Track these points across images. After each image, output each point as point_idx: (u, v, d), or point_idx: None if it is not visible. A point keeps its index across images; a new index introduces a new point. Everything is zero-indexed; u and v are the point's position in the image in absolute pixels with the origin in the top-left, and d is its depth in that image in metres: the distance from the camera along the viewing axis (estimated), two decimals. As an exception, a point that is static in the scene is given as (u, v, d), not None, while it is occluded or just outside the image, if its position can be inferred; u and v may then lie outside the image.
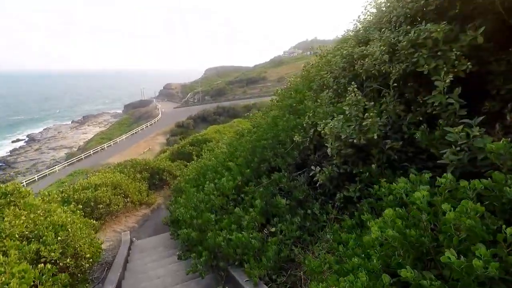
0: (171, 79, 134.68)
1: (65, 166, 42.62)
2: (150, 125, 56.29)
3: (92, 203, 6.64)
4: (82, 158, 43.65)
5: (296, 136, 3.67)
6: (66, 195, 6.52)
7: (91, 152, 44.94)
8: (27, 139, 73.14)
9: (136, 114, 71.68)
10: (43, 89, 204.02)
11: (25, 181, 37.41)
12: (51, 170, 41.38)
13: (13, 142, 71.87)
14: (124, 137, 50.50)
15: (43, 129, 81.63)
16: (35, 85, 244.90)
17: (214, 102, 71.04)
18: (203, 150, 14.53)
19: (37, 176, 39.34)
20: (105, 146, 46.71)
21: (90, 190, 6.83)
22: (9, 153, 62.14)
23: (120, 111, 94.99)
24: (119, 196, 7.30)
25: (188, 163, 12.35)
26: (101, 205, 6.77)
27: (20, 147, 66.45)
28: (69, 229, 3.82)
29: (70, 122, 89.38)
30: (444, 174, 1.90)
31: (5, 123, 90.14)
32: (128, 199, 7.74)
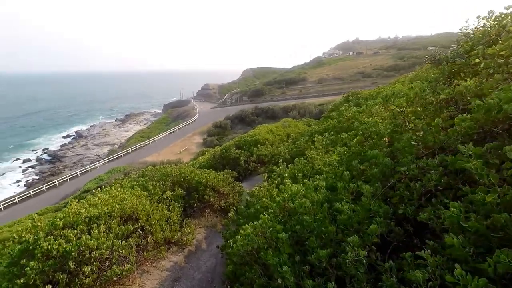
0: (209, 80, 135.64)
1: (105, 162, 42.73)
2: (187, 124, 55.22)
3: (71, 263, 3.47)
4: (121, 156, 43.56)
5: None
6: (31, 240, 3.43)
7: (130, 150, 44.66)
8: (75, 135, 76.61)
9: (174, 113, 71.58)
10: (93, 89, 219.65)
11: (69, 176, 37.73)
12: (93, 166, 41.64)
13: (63, 137, 75.53)
14: (162, 136, 49.82)
15: (90, 126, 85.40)
16: (89, 85, 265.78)
17: (252, 103, 68.61)
18: (253, 154, 11.17)
19: (79, 171, 39.67)
20: (143, 145, 46.18)
21: (76, 231, 3.62)
22: (59, 148, 65.19)
23: (159, 110, 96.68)
24: (131, 239, 4.00)
25: (234, 172, 8.92)
26: (89, 267, 3.27)
27: (69, 143, 69.61)
28: None
29: (114, 120, 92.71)
30: None
31: (61, 120, 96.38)
32: (148, 239, 4.48)
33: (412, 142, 2.79)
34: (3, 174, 50.06)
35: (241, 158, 10.65)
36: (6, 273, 3.53)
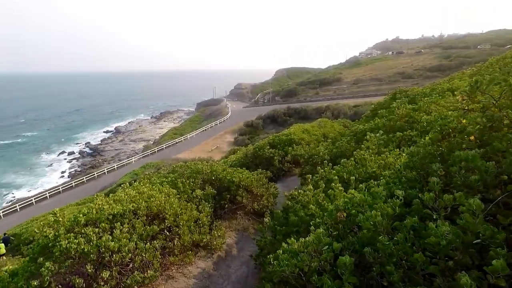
0: (241, 79, 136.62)
1: (140, 158, 44.34)
2: (219, 123, 55.79)
3: (89, 266, 2.93)
4: (155, 152, 44.97)
5: None
6: (51, 236, 3.14)
7: (164, 147, 45.98)
8: (114, 130, 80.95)
9: (207, 112, 72.89)
10: (136, 87, 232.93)
11: (107, 169, 39.73)
12: (129, 160, 43.42)
13: (104, 132, 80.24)
14: (194, 134, 50.78)
15: (128, 122, 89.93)
16: (134, 83, 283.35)
17: (284, 103, 67.69)
18: (288, 154, 10.44)
19: (116, 165, 41.64)
20: (176, 142, 47.34)
21: (98, 229, 3.30)
22: (99, 142, 69.38)
23: (193, 108, 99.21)
24: (156, 241, 3.60)
25: (268, 172, 8.32)
26: (108, 272, 2.93)
27: (108, 138, 73.72)
28: None
29: (149, 117, 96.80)
30: None
31: (104, 116, 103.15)
32: (175, 242, 4.05)
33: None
34: (51, 165, 54.37)
35: (275, 157, 10.04)
36: (25, 269, 3.28)
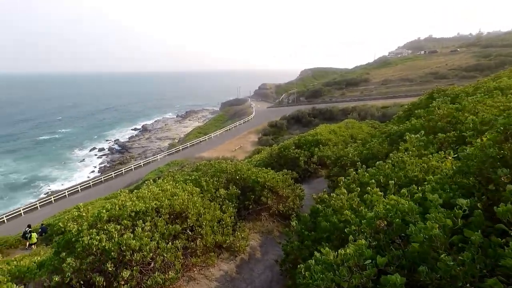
0: (266, 79, 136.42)
1: (165, 155, 45.43)
2: (243, 122, 55.92)
3: (109, 264, 2.89)
4: (180, 150, 45.86)
5: None
6: (75, 231, 3.09)
7: (188, 145, 46.79)
8: (141, 128, 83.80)
9: (231, 111, 73.40)
10: (166, 87, 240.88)
11: (134, 166, 41.13)
12: (154, 158, 44.62)
13: (132, 130, 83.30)
14: (218, 133, 51.23)
15: (154, 121, 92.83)
16: (165, 84, 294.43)
17: (309, 103, 66.64)
18: (314, 155, 10.02)
19: (142, 162, 42.98)
20: (200, 140, 48.02)
21: (120, 226, 3.22)
22: (127, 140, 72.14)
23: (217, 108, 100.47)
24: (178, 241, 3.46)
25: (294, 173, 7.99)
26: (129, 272, 2.80)
27: (136, 135, 76.43)
28: None
29: (175, 116, 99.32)
30: None
31: (133, 114, 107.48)
32: (197, 242, 3.90)
33: None
34: (83, 160, 57.44)
35: (300, 158, 9.70)
36: (50, 262, 3.26)
